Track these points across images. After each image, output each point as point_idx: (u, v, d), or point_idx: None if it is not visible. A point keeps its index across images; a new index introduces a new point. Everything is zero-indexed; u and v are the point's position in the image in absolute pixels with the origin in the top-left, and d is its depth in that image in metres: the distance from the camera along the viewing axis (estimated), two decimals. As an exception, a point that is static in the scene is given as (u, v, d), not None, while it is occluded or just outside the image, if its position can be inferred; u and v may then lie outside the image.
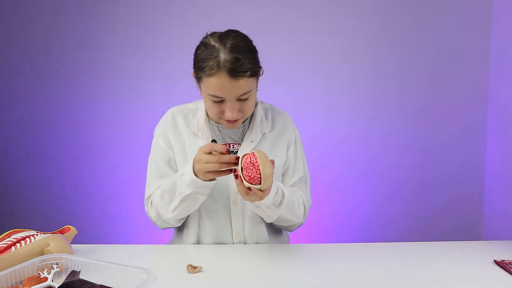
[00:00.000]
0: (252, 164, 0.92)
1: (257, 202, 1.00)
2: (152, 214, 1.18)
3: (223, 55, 0.98)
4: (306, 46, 2.02)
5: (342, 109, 2.05)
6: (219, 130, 1.18)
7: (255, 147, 1.15)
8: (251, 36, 1.07)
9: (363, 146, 2.06)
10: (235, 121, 1.08)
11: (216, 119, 1.11)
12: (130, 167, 2.05)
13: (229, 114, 1.04)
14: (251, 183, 0.93)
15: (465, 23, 2.00)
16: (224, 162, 0.97)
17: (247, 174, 0.93)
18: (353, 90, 2.04)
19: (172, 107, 1.23)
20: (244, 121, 1.19)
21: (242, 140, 1.17)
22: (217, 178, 1.10)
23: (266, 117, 1.21)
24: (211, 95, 1.02)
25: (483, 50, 2.00)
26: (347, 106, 2.05)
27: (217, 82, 0.99)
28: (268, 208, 1.06)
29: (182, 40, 1.99)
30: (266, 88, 1.98)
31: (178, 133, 1.18)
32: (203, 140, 1.15)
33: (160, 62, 2.02)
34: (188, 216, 1.18)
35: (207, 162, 0.97)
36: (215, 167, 0.97)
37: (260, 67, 1.07)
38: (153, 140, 1.22)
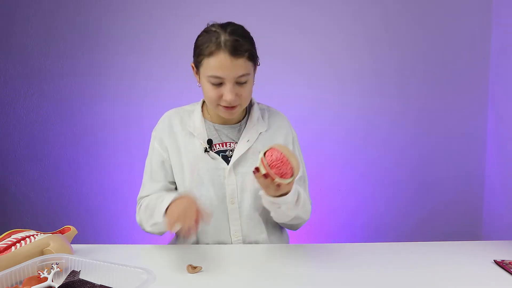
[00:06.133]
0: (280, 161, 0.92)
1: (278, 203, 1.02)
2: (137, 219, 1.21)
3: (224, 37, 1.02)
4: (310, 46, 2.02)
5: (342, 110, 2.05)
6: (216, 130, 1.19)
7: (251, 147, 1.16)
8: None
9: (363, 147, 2.06)
10: (233, 108, 1.09)
11: (214, 105, 1.10)
12: (130, 167, 2.05)
13: (228, 96, 1.05)
14: (285, 178, 0.93)
15: (465, 23, 2.00)
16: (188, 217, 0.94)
17: (279, 171, 0.93)
18: (353, 91, 2.04)
19: (169, 110, 1.25)
20: (241, 120, 1.20)
21: (238, 139, 1.18)
22: (212, 178, 1.14)
23: (262, 117, 1.23)
24: (210, 76, 1.04)
25: (483, 50, 2.00)
26: (347, 107, 2.05)
27: (217, 61, 1.02)
28: (288, 208, 1.05)
29: (186, 41, 1.98)
30: (267, 87, 1.99)
31: (173, 135, 1.19)
32: (199, 140, 1.16)
33: (162, 63, 2.02)
34: None
35: (179, 215, 0.94)
36: (182, 220, 0.94)
37: (258, 57, 1.10)
38: (150, 142, 1.24)
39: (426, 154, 2.07)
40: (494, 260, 1.01)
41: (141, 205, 1.19)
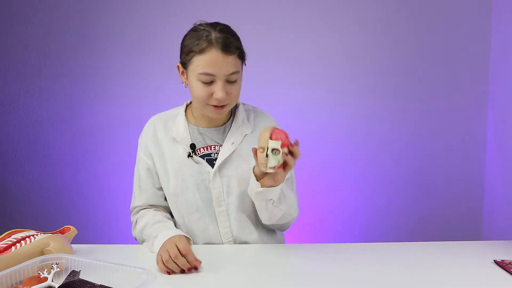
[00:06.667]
0: (284, 134, 0.97)
1: (270, 195, 1.04)
2: (133, 235, 1.21)
3: (215, 34, 1.04)
4: (309, 46, 2.01)
5: (342, 110, 2.05)
6: (200, 133, 1.17)
7: (236, 149, 1.15)
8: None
9: (363, 146, 2.06)
10: (222, 107, 1.08)
11: (202, 105, 1.09)
12: (130, 167, 2.03)
13: (219, 94, 1.04)
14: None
15: (465, 23, 2.00)
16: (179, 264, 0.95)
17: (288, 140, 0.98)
18: (353, 91, 2.04)
19: (154, 116, 1.24)
20: (225, 122, 1.19)
21: (223, 142, 1.16)
22: (197, 182, 1.13)
23: (248, 119, 1.21)
24: (201, 74, 1.04)
25: (483, 50, 2.00)
26: (347, 107, 2.05)
27: (209, 58, 1.03)
28: (278, 201, 1.06)
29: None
30: (268, 87, 1.99)
31: (157, 142, 1.18)
32: (183, 145, 1.15)
33: (162, 63, 2.01)
34: (176, 224, 1.19)
35: (168, 261, 0.95)
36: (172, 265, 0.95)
37: (245, 57, 1.11)
38: (137, 149, 1.24)
39: (426, 154, 2.06)
40: (494, 260, 1.01)
41: (136, 222, 1.18)
